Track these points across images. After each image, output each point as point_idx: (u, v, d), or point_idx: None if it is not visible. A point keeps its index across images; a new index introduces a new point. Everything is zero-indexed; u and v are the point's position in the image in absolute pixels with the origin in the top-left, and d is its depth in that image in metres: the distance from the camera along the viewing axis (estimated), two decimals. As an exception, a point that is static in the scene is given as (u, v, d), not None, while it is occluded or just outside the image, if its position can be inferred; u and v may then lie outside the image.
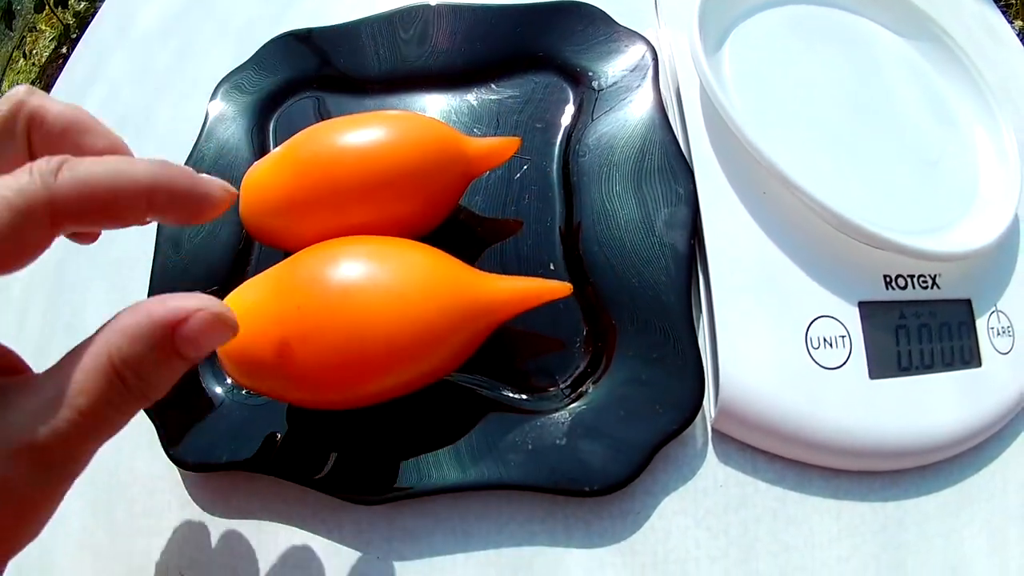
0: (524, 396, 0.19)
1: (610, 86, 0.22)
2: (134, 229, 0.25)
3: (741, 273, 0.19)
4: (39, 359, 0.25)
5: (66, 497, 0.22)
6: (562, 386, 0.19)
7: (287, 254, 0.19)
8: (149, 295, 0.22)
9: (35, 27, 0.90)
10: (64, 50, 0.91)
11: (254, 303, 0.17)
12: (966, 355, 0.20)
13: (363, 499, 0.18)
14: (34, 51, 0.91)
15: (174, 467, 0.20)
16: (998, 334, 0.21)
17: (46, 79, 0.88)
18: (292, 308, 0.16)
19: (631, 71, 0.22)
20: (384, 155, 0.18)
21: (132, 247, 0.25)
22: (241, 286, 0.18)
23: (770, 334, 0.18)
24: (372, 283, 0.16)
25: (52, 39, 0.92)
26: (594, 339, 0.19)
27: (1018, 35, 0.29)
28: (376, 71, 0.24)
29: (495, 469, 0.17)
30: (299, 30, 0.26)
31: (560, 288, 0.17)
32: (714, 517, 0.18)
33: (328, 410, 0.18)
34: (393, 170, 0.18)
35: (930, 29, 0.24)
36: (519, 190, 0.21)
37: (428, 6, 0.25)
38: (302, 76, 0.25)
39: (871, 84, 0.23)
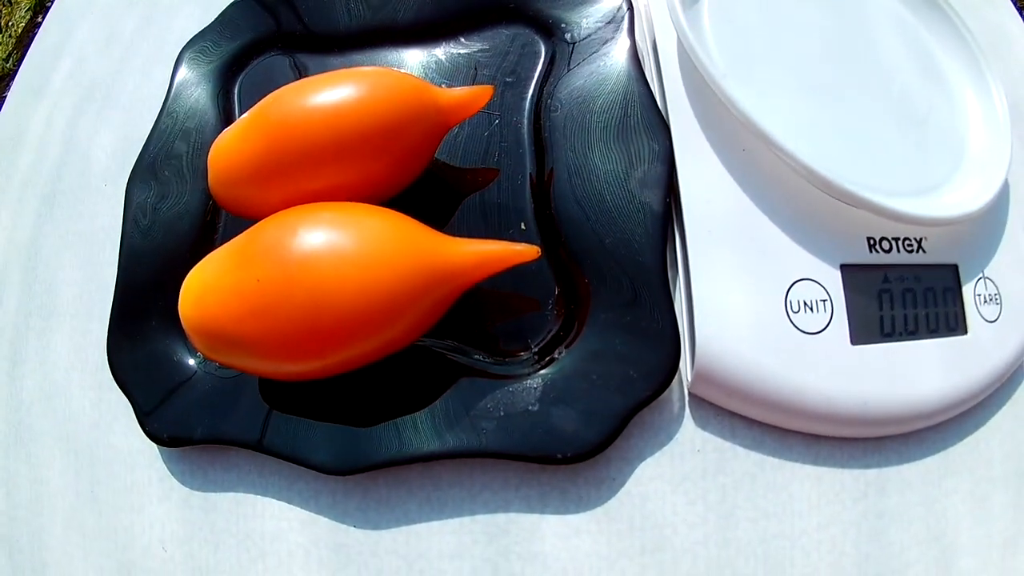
0: (495, 361, 0.19)
1: (583, 38, 0.21)
2: (102, 201, 0.25)
3: (719, 234, 0.18)
4: (16, 341, 0.25)
5: (51, 477, 0.22)
6: (534, 350, 0.19)
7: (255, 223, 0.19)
8: (119, 267, 0.22)
9: (10, 0, 0.88)
10: (40, 19, 0.90)
11: (216, 277, 0.17)
12: (951, 322, 0.20)
13: (336, 470, 0.18)
14: (10, 23, 0.90)
15: (151, 442, 0.20)
16: (985, 301, 0.20)
17: (22, 49, 0.86)
18: (252, 281, 0.16)
19: (606, 22, 0.21)
20: (356, 111, 0.18)
21: (100, 219, 0.25)
22: (204, 260, 0.18)
23: (749, 297, 0.18)
24: (330, 253, 0.16)
25: (28, 10, 0.91)
26: (566, 302, 0.19)
27: (1014, 2, 0.29)
28: (341, 27, 0.24)
29: (467, 437, 0.17)
30: None
31: (527, 251, 0.17)
32: (691, 483, 0.18)
33: (297, 381, 0.18)
34: (366, 126, 0.18)
35: None
36: (489, 147, 0.21)
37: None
38: (266, 36, 0.24)
39: (858, 39, 0.22)
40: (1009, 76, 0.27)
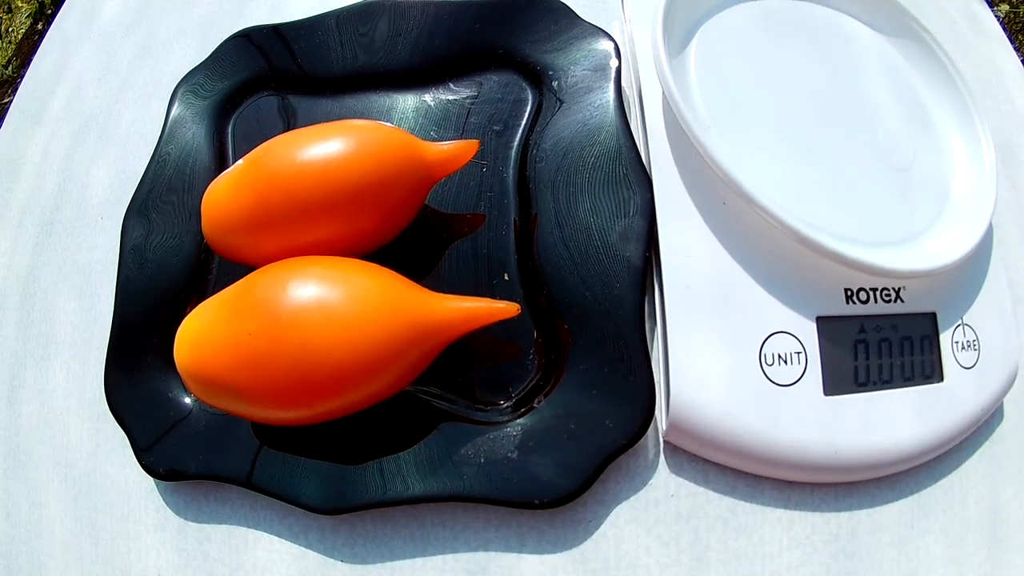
0: (478, 408, 0.20)
1: (570, 87, 0.22)
2: (99, 233, 0.26)
3: (696, 288, 0.19)
4: (15, 367, 0.26)
5: (49, 502, 0.24)
6: (515, 399, 0.20)
7: (247, 267, 0.20)
8: (115, 304, 0.23)
9: (10, 7, 0.90)
10: (40, 26, 0.91)
11: (210, 326, 0.18)
12: (927, 370, 0.20)
13: (323, 510, 0.19)
14: (10, 29, 0.91)
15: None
16: (963, 348, 0.21)
17: (22, 56, 0.87)
18: (244, 334, 0.17)
19: (593, 71, 0.22)
20: (345, 169, 0.19)
21: (98, 251, 0.26)
22: (198, 308, 0.19)
23: (723, 350, 0.19)
24: (319, 309, 0.17)
25: (28, 16, 0.92)
26: (546, 350, 0.20)
27: (1001, 21, 0.29)
28: (333, 70, 0.24)
29: (449, 481, 0.18)
30: (254, 28, 0.26)
31: (507, 309, 0.18)
32: (665, 526, 0.19)
33: (289, 426, 0.19)
34: (355, 183, 0.19)
35: (909, 25, 0.23)
36: (475, 196, 0.22)
37: (386, 2, 0.25)
38: (259, 76, 0.25)
39: (844, 84, 0.22)
40: (999, 113, 0.27)
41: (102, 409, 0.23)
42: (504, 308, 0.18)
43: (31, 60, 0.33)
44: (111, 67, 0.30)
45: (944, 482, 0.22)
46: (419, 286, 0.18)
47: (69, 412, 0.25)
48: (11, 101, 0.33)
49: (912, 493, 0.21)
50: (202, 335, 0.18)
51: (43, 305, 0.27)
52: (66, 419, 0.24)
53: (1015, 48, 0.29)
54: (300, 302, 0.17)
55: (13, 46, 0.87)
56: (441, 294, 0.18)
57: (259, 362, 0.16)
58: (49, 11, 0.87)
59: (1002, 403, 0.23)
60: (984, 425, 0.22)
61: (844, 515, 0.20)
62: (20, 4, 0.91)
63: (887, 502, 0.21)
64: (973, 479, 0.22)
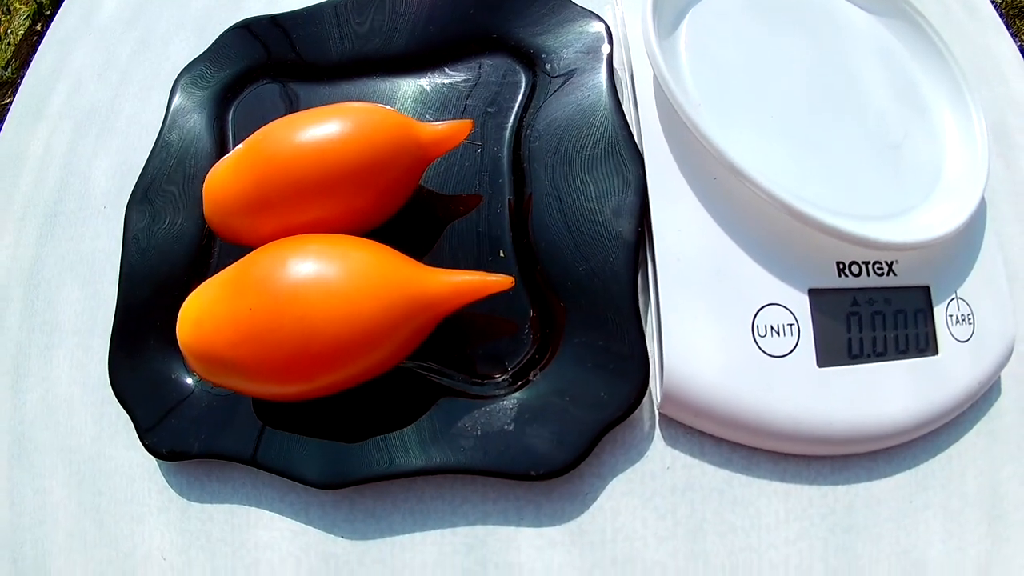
0: (474, 382, 0.20)
1: (563, 69, 0.22)
2: (102, 222, 0.27)
3: (689, 260, 0.20)
4: (19, 356, 0.27)
5: (53, 488, 0.24)
6: (511, 373, 0.20)
7: (248, 250, 0.20)
8: (119, 289, 0.24)
9: (8, 8, 0.91)
10: (39, 27, 0.92)
11: (211, 304, 0.18)
12: (921, 343, 0.21)
13: (324, 484, 0.20)
14: (9, 31, 0.93)
15: (151, 456, 0.22)
16: (957, 322, 0.21)
17: (21, 58, 0.89)
18: (244, 310, 0.17)
19: (585, 53, 0.22)
20: (341, 150, 0.19)
21: (100, 240, 0.27)
22: (199, 287, 0.20)
23: (716, 322, 0.19)
24: (318, 284, 0.17)
25: (27, 17, 0.94)
26: (542, 324, 0.20)
27: (997, 8, 0.29)
28: (330, 58, 0.25)
29: (447, 454, 0.19)
30: (252, 19, 0.27)
31: (501, 282, 0.19)
32: (661, 498, 0.20)
33: (289, 402, 0.20)
34: (351, 164, 0.19)
35: (900, 6, 0.24)
36: (471, 176, 0.23)
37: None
38: (257, 65, 0.26)
39: (836, 63, 0.23)
40: (994, 94, 0.27)
41: (106, 394, 0.24)
42: (498, 281, 0.18)
43: (31, 60, 0.34)
44: (111, 62, 0.31)
45: (942, 456, 0.22)
46: (414, 260, 0.19)
47: (73, 398, 0.25)
48: (11, 102, 0.34)
49: (910, 467, 0.22)
50: (204, 313, 0.19)
51: (47, 295, 0.27)
52: (70, 405, 0.25)
53: (1012, 34, 0.30)
54: (299, 278, 0.17)
55: (12, 47, 0.88)
56: (436, 268, 0.19)
57: (259, 337, 0.17)
58: (48, 12, 0.88)
59: (1000, 378, 0.23)
60: (981, 400, 0.23)
61: (841, 488, 0.21)
62: (18, 6, 0.93)
63: (884, 475, 0.21)
64: (971, 454, 0.22)
